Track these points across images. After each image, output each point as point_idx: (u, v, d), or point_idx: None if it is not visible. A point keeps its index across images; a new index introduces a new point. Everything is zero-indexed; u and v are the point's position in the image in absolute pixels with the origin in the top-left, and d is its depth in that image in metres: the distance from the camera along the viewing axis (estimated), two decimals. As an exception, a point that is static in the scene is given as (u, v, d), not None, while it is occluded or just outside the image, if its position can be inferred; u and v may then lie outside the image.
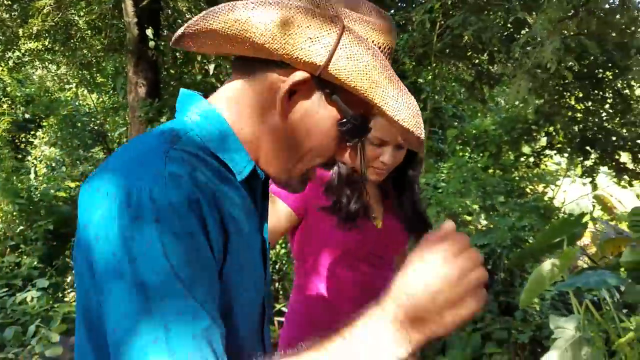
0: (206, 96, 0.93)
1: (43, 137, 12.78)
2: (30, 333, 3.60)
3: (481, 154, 6.75)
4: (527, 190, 7.36)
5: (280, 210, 1.67)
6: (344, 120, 0.87)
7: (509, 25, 5.89)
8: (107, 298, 0.70)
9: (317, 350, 0.73)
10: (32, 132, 13.11)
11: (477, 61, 7.15)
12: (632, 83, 6.25)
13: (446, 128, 8.55)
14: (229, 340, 0.76)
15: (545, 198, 7.15)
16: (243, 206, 0.87)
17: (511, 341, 4.57)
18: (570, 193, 10.98)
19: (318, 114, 0.86)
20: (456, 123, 8.74)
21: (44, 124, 12.63)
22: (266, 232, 1.01)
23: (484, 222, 5.33)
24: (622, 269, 3.83)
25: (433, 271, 0.73)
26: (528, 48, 4.38)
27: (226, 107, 0.90)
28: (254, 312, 0.94)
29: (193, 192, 0.74)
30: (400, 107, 0.81)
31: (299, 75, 0.83)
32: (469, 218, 5.45)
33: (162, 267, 0.69)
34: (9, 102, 13.02)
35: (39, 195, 6.06)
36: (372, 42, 0.83)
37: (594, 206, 11.38)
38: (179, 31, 0.88)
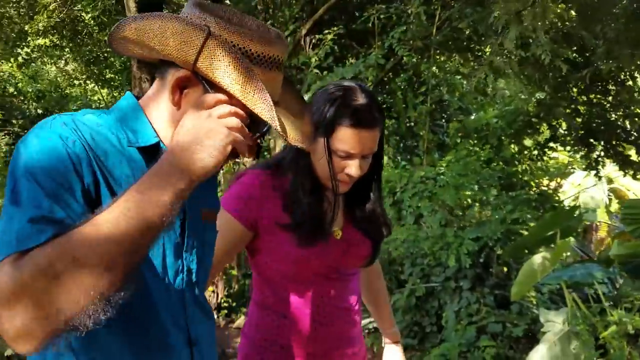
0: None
1: (56, 133, 12.90)
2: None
3: (483, 147, 6.72)
4: (532, 183, 7.31)
5: (229, 224, 1.58)
6: None
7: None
8: None
9: (109, 205, 0.88)
10: (45, 128, 13.23)
11: (479, 53, 7.11)
12: (636, 75, 6.17)
13: (451, 121, 8.52)
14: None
15: (553, 191, 7.11)
16: (131, 169, 1.04)
17: (505, 335, 4.54)
18: (585, 186, 10.84)
19: None
20: (462, 116, 8.70)
21: (56, 119, 12.73)
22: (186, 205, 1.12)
23: (479, 216, 5.31)
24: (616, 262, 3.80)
25: (186, 119, 0.95)
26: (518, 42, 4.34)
27: (146, 101, 1.11)
28: (162, 272, 1.08)
29: (71, 134, 0.96)
30: (257, 101, 0.96)
31: (182, 72, 1.01)
32: (467, 212, 5.44)
33: (25, 171, 0.91)
34: (21, 98, 13.21)
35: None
36: (249, 49, 1.00)
37: (610, 199, 11.24)
38: (107, 38, 1.09)
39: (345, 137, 1.52)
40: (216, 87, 0.99)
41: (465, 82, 7.38)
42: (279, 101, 1.10)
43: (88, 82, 12.33)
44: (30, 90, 12.78)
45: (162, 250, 1.08)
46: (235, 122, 0.94)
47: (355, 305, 1.75)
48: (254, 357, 1.70)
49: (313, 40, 6.46)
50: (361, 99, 1.54)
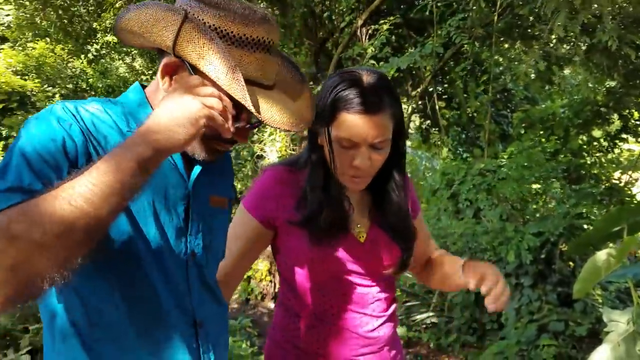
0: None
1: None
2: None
3: (548, 138, 6.47)
4: (602, 177, 6.98)
5: (248, 222, 1.53)
6: None
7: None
8: None
9: (78, 173, 0.90)
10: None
11: (545, 40, 6.83)
12: None
13: (516, 111, 8.23)
14: (131, 268, 1.04)
15: (625, 185, 6.77)
16: None
17: (567, 333, 4.35)
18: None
19: None
20: (528, 106, 8.38)
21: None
22: (185, 188, 1.15)
23: (542, 210, 5.10)
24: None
25: (168, 96, 0.97)
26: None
27: (149, 91, 1.17)
28: (162, 254, 1.09)
29: (69, 118, 1.02)
30: (230, 82, 0.97)
31: (168, 58, 1.05)
32: (529, 206, 5.24)
33: (18, 148, 0.97)
34: (92, 93, 13.71)
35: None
36: (230, 31, 1.02)
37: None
38: (112, 30, 1.11)
39: (345, 124, 1.38)
40: (201, 73, 1.01)
41: (530, 70, 7.10)
42: (276, 84, 1.10)
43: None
44: (101, 85, 13.23)
45: (162, 233, 1.10)
46: (214, 101, 0.95)
47: (382, 311, 1.61)
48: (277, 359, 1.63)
49: (369, 31, 6.38)
50: (365, 82, 1.40)
